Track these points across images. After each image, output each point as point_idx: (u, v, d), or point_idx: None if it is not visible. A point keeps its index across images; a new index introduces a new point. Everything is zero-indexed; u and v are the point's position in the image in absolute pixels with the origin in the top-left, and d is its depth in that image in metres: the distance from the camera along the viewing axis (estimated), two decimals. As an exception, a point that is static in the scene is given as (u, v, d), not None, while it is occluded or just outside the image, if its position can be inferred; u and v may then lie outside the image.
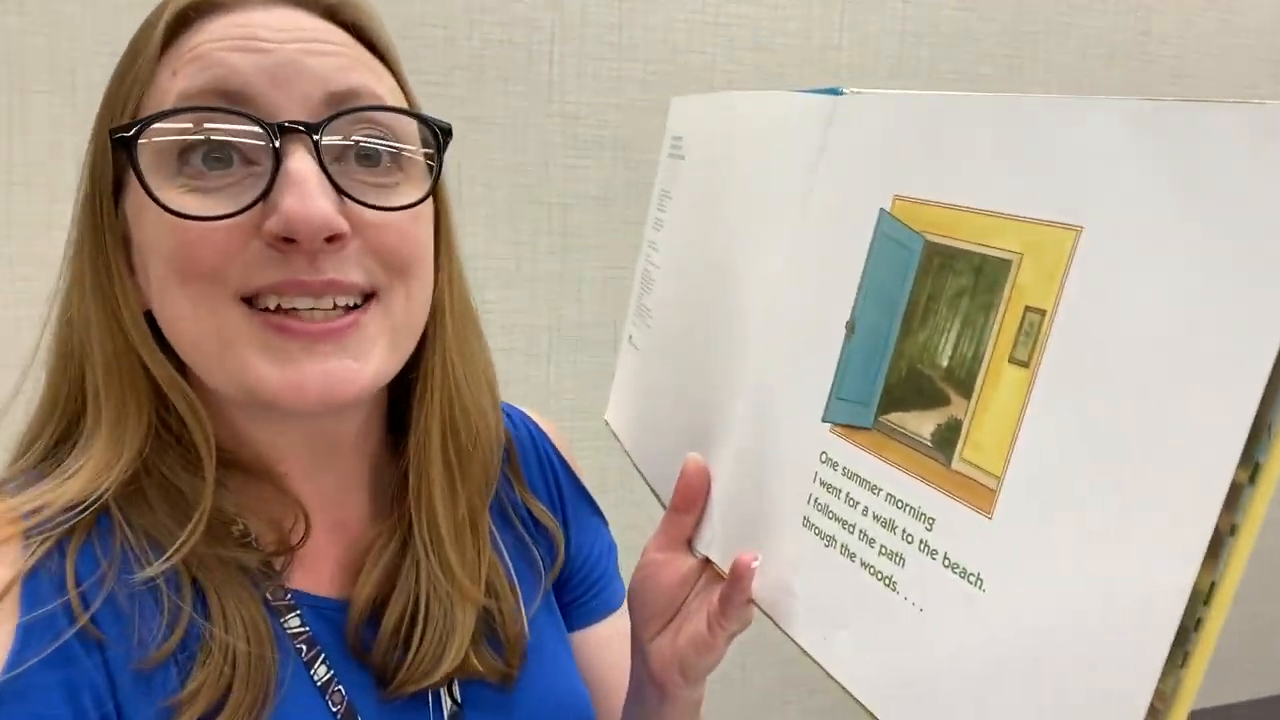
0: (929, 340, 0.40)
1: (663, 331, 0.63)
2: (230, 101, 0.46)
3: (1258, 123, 0.29)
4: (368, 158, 0.49)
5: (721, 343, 0.54)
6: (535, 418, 0.72)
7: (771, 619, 0.47)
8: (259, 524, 0.52)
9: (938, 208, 0.40)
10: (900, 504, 0.40)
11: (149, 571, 0.47)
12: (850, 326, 0.44)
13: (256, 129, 0.45)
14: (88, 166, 0.50)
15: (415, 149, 0.51)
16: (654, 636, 0.55)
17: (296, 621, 0.51)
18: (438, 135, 0.51)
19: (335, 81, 0.47)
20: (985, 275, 0.38)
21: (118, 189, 0.49)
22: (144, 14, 0.50)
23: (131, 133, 0.46)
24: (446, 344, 0.56)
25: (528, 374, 1.28)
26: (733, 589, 0.48)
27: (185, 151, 0.46)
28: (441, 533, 0.55)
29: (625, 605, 0.71)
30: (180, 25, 0.48)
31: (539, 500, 0.66)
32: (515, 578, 0.60)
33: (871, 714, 0.40)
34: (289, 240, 0.45)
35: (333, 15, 0.50)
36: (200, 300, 0.47)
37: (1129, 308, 0.32)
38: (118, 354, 0.49)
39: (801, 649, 0.45)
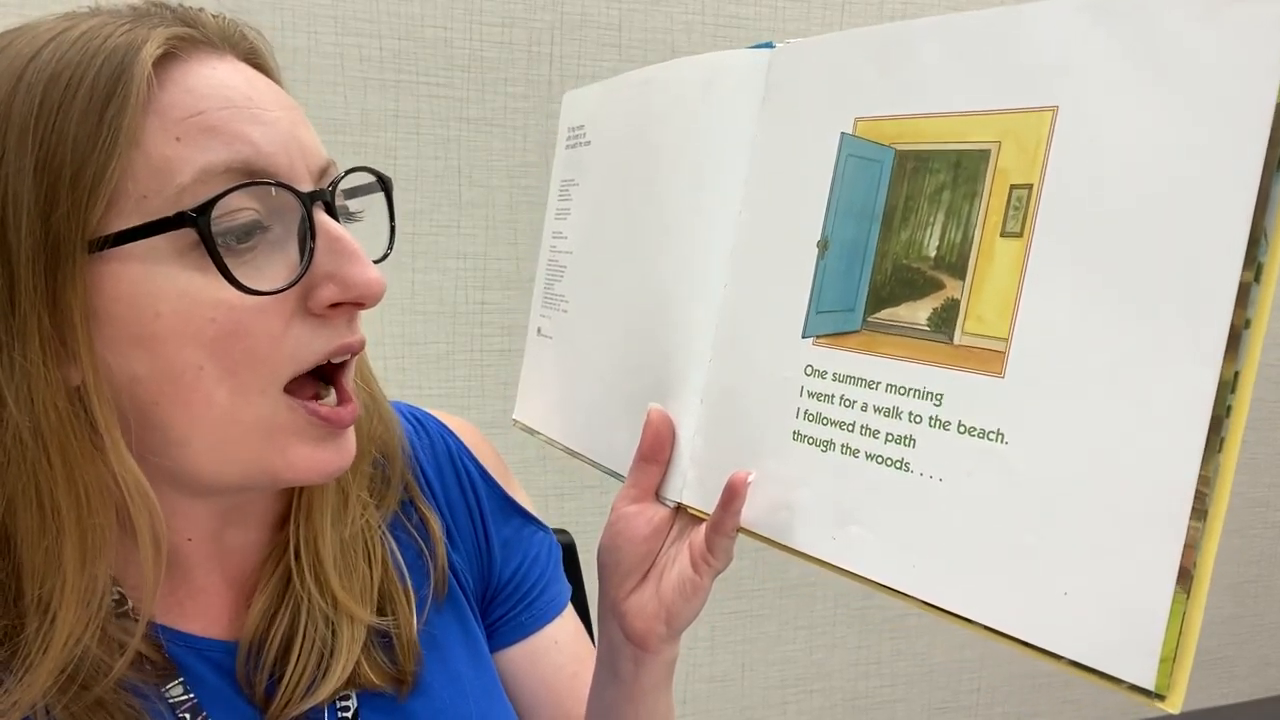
0: (912, 237, 0.43)
1: (587, 310, 0.64)
2: (254, 177, 0.46)
3: (1210, -9, 0.35)
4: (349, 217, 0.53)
5: (671, 297, 0.55)
6: (454, 425, 0.70)
7: (766, 539, 0.48)
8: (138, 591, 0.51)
9: (903, 120, 0.44)
10: (902, 390, 0.43)
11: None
12: (823, 245, 0.47)
13: (292, 199, 0.46)
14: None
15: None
16: (631, 593, 0.55)
17: (179, 690, 0.51)
18: (386, 184, 0.54)
19: (320, 153, 0.50)
20: (964, 168, 0.42)
21: (56, 261, 0.43)
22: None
23: (209, 211, 0.44)
24: None
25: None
26: (724, 513, 0.49)
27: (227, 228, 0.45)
28: (324, 558, 0.56)
29: (569, 609, 0.70)
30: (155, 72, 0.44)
31: (454, 513, 0.66)
32: (409, 582, 0.60)
33: (898, 593, 0.42)
34: (337, 305, 0.47)
35: (261, 66, 0.51)
36: (243, 390, 0.46)
37: (1114, 164, 0.37)
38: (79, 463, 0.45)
39: (804, 554, 0.47)
